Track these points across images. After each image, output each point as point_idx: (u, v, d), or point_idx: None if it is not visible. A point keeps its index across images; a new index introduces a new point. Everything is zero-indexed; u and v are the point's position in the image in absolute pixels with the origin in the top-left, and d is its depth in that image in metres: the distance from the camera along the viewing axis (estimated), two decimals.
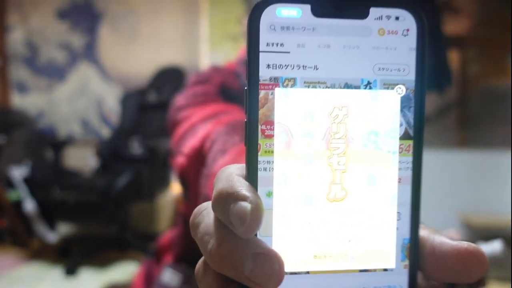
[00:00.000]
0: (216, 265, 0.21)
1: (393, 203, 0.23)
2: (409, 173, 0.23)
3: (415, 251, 0.23)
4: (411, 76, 0.23)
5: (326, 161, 0.23)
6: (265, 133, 0.22)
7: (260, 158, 0.22)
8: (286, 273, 0.22)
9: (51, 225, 2.56)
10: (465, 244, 0.22)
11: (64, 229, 2.72)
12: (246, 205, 0.20)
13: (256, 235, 0.21)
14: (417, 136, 0.23)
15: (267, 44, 0.22)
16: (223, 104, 0.72)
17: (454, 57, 2.47)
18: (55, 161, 2.69)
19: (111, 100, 3.03)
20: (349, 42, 0.23)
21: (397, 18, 0.23)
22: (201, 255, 0.23)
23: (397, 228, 0.23)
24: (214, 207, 0.21)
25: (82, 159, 2.90)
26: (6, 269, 2.36)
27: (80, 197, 2.35)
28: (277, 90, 0.22)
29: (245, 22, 0.23)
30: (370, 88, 0.23)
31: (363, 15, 0.23)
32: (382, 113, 0.23)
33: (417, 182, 0.23)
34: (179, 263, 0.79)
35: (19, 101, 3.13)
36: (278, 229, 0.23)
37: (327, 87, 0.23)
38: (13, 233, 2.65)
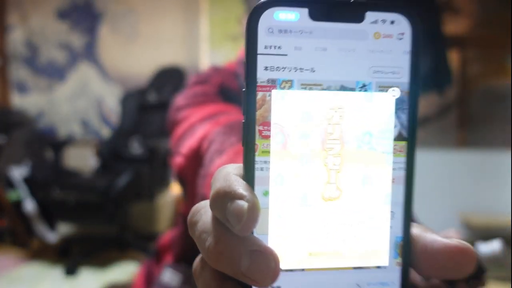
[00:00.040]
0: (213, 262, 0.21)
1: (387, 203, 0.24)
2: (402, 173, 0.24)
3: (407, 249, 0.24)
4: (406, 78, 0.24)
5: (321, 161, 0.23)
6: (262, 134, 0.23)
7: (257, 158, 0.23)
8: (282, 270, 0.22)
9: (51, 225, 2.56)
10: (455, 241, 0.22)
11: (64, 229, 2.73)
12: (243, 203, 0.20)
13: (252, 233, 0.22)
14: (411, 137, 0.24)
15: (265, 47, 0.22)
16: (222, 105, 0.73)
17: (454, 57, 2.47)
18: (55, 161, 2.69)
19: (111, 100, 3.04)
20: (345, 45, 0.23)
21: (392, 22, 0.23)
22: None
23: (390, 227, 0.24)
24: (212, 206, 0.22)
25: (82, 159, 2.90)
26: (6, 269, 2.37)
27: (80, 197, 2.35)
28: (274, 92, 0.23)
29: (244, 22, 0.23)
30: (366, 90, 0.23)
31: (359, 19, 0.23)
32: (377, 114, 0.24)
33: (410, 182, 0.24)
34: (179, 263, 0.79)
35: (19, 101, 3.13)
36: (274, 227, 0.23)
37: (323, 89, 0.23)
38: (13, 233, 2.65)
